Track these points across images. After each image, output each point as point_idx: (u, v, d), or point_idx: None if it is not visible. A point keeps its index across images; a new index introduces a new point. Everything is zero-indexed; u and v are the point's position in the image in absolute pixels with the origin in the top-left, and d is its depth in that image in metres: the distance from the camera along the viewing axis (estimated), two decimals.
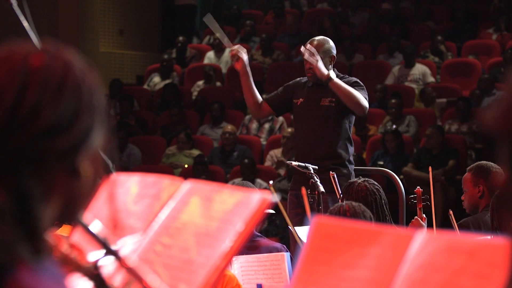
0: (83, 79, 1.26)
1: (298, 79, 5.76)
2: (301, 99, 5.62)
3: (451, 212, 4.48)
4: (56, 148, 1.22)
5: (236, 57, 5.51)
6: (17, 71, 1.22)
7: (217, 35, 5.69)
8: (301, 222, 5.14)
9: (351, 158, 5.61)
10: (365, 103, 5.41)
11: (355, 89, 5.44)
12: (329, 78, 5.38)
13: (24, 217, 1.18)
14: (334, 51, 5.59)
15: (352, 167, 5.60)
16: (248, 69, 5.57)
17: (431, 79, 11.11)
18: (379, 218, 4.05)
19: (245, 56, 5.51)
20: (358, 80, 5.57)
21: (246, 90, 5.64)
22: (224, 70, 12.29)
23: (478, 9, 12.73)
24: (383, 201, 4.08)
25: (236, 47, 5.52)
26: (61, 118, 1.22)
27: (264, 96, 5.95)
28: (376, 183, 4.16)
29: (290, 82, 5.76)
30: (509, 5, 12.29)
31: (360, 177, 4.27)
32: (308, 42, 5.63)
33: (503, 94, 1.03)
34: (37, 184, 1.20)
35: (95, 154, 1.27)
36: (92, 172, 1.26)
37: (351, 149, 5.62)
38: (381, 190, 4.12)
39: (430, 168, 4.92)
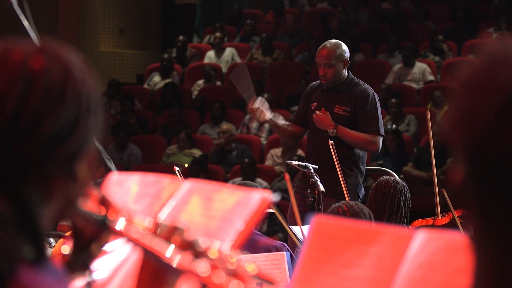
0: (82, 82, 1.24)
1: (311, 84, 5.77)
2: (315, 103, 5.59)
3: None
4: (57, 156, 1.20)
5: (258, 113, 5.57)
6: (17, 75, 1.19)
7: (244, 94, 5.79)
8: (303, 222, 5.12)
9: (362, 167, 5.56)
10: (373, 145, 5.42)
11: (367, 111, 5.45)
12: (335, 127, 5.41)
13: (25, 223, 1.17)
14: (347, 55, 5.54)
15: (360, 178, 5.54)
16: (272, 115, 5.67)
17: (430, 77, 11.10)
18: (392, 211, 4.19)
19: (266, 110, 5.60)
20: (371, 93, 5.50)
21: (280, 134, 5.87)
22: (224, 70, 12.28)
23: (478, 9, 12.73)
24: (402, 198, 4.26)
25: (257, 104, 5.58)
26: (62, 127, 1.20)
27: (290, 117, 6.02)
28: (404, 183, 4.35)
29: (305, 92, 5.77)
30: (510, 5, 12.28)
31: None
32: (320, 47, 5.58)
33: (452, 99, 1.02)
34: (36, 190, 1.19)
35: (90, 154, 1.26)
36: (87, 172, 1.26)
37: (364, 159, 5.57)
38: (404, 189, 4.29)
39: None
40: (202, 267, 1.36)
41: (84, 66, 1.26)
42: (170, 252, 1.39)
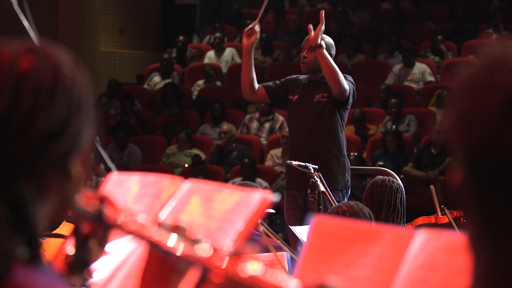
0: (72, 80, 1.24)
1: (296, 76, 5.79)
2: (296, 96, 5.65)
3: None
4: (49, 155, 1.21)
5: (251, 33, 5.53)
6: (6, 76, 1.19)
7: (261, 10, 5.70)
8: (299, 221, 5.13)
9: (345, 152, 5.59)
10: (344, 85, 5.39)
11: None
12: (319, 45, 5.41)
13: (19, 223, 1.17)
14: (333, 51, 5.64)
15: (347, 163, 5.57)
16: (252, 50, 5.64)
17: (430, 78, 11.11)
18: (389, 210, 4.20)
19: (257, 35, 5.57)
20: (349, 76, 5.59)
21: (245, 68, 5.65)
22: (224, 70, 12.29)
23: (478, 9, 12.73)
24: (398, 197, 4.27)
25: (256, 26, 5.55)
26: (54, 125, 1.21)
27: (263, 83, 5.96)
28: (399, 182, 4.38)
29: (288, 77, 5.79)
30: (509, 5, 12.28)
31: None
32: (306, 39, 5.66)
33: (453, 101, 1.02)
34: (31, 189, 1.19)
35: (84, 151, 1.27)
36: (82, 169, 1.26)
37: (345, 144, 5.61)
38: (400, 188, 4.32)
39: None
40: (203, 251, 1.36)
41: (74, 64, 1.26)
42: (172, 242, 1.38)
